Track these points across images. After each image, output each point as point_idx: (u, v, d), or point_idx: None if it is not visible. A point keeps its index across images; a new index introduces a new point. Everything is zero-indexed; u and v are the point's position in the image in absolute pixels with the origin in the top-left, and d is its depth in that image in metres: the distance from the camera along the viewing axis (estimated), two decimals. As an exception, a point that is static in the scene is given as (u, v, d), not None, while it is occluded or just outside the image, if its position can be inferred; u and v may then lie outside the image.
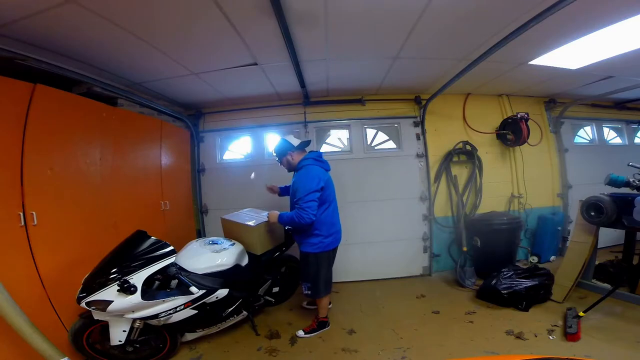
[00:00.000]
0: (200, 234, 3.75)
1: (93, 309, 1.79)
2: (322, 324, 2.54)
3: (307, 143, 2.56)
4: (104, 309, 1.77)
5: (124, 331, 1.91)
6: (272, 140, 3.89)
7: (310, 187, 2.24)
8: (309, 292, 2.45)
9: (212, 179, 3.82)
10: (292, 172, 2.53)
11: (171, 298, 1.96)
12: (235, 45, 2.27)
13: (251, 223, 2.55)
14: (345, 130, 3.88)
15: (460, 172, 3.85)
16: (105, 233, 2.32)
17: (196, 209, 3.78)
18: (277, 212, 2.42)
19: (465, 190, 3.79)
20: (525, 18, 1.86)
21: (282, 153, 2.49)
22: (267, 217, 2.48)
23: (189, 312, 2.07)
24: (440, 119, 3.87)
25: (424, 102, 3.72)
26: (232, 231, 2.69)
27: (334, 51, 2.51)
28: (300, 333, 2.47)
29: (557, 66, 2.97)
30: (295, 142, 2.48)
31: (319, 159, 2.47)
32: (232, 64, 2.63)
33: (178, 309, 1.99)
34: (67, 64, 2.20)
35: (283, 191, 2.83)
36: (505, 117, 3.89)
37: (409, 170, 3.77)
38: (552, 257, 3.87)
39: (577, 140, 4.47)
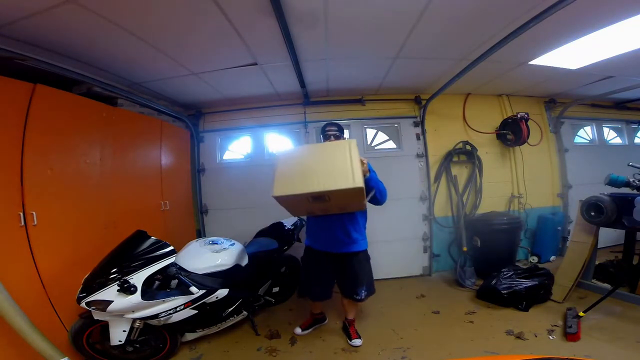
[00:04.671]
0: (200, 234, 3.75)
1: (93, 309, 1.79)
2: None
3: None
4: (104, 309, 1.77)
5: (124, 331, 1.91)
6: (273, 139, 3.90)
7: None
8: (366, 293, 2.19)
9: (212, 179, 3.82)
10: None
11: (171, 298, 1.96)
12: (235, 45, 2.27)
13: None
14: (345, 130, 3.87)
15: (460, 172, 3.85)
16: (106, 233, 2.32)
17: (196, 209, 3.78)
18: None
19: (465, 190, 3.79)
20: (525, 18, 1.86)
21: (342, 132, 2.29)
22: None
23: (189, 312, 2.07)
24: (440, 119, 3.87)
25: (424, 102, 3.72)
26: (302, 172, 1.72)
27: (334, 51, 2.51)
28: (358, 342, 2.29)
29: (557, 66, 2.98)
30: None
31: None
32: (232, 64, 2.63)
33: (178, 309, 2.00)
34: (67, 64, 2.20)
35: None
36: (505, 117, 3.89)
37: (409, 170, 3.78)
38: (552, 257, 3.87)
39: (577, 140, 4.47)
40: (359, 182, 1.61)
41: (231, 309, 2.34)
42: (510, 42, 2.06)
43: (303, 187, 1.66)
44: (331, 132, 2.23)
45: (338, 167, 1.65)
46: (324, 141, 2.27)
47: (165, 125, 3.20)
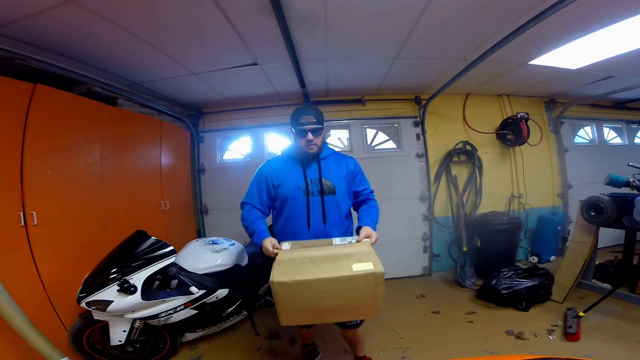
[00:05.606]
0: (200, 234, 3.75)
1: (93, 309, 1.79)
2: None
3: None
4: (104, 309, 1.77)
5: (124, 331, 1.91)
6: (273, 139, 3.90)
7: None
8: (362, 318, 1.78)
9: (212, 179, 3.82)
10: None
11: (171, 298, 1.96)
12: (235, 46, 2.27)
13: (360, 267, 1.33)
14: (345, 130, 3.88)
15: (460, 172, 3.85)
16: (106, 233, 2.32)
17: (196, 209, 3.78)
18: (370, 229, 1.56)
19: (465, 190, 3.79)
20: (525, 18, 1.86)
21: (322, 123, 1.66)
22: (370, 240, 1.52)
23: (189, 312, 2.07)
24: (440, 119, 3.87)
25: (424, 102, 3.72)
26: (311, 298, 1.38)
27: (334, 51, 2.51)
28: None
29: (557, 66, 2.98)
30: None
31: None
32: (232, 64, 2.63)
33: (178, 309, 1.99)
34: (67, 64, 2.20)
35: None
36: (505, 117, 3.89)
37: (409, 170, 3.78)
38: (552, 257, 3.87)
39: (577, 140, 4.47)
40: (379, 311, 1.47)
41: (231, 309, 2.34)
42: (511, 42, 2.06)
43: (317, 318, 1.64)
44: (308, 125, 1.59)
45: (361, 302, 1.42)
46: (300, 137, 1.63)
47: (165, 125, 3.20)
